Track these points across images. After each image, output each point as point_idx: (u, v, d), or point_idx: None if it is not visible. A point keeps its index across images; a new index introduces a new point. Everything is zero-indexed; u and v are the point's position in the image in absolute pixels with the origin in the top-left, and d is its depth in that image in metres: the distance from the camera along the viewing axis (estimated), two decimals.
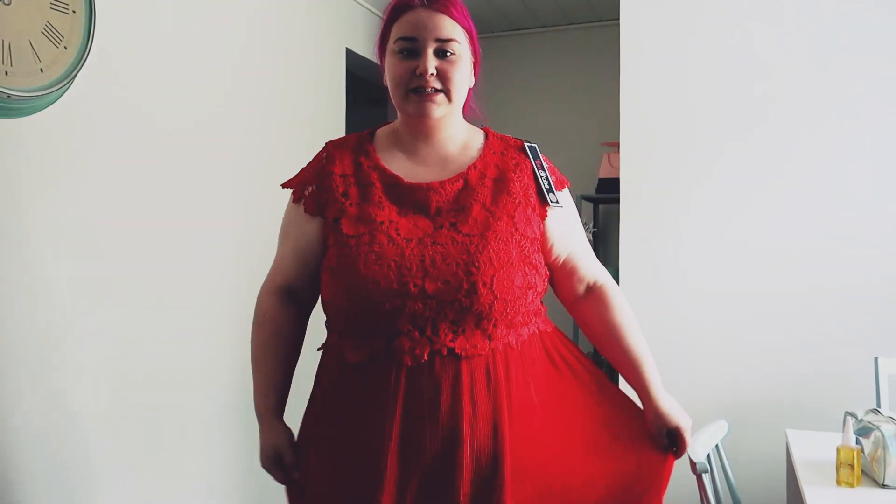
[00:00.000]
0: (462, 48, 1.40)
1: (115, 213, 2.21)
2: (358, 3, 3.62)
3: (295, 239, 1.46)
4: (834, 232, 2.77)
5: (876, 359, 2.48)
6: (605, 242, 4.09)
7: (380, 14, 3.82)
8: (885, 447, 1.80)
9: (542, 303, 1.47)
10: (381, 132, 1.50)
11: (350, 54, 3.58)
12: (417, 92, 1.38)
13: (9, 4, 1.78)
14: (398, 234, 1.34)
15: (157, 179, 2.36)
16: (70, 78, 1.93)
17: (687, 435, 1.46)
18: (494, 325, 1.34)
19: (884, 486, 1.81)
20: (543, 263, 1.44)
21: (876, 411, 1.99)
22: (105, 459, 2.19)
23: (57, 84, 1.89)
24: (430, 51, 1.37)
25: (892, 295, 2.70)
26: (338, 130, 3.44)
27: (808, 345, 2.78)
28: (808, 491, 1.78)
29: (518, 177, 1.43)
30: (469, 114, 1.51)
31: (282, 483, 1.46)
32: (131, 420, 2.27)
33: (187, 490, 2.50)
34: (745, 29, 2.88)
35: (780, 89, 2.84)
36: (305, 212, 1.44)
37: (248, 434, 2.83)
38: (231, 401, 2.66)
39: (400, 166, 1.43)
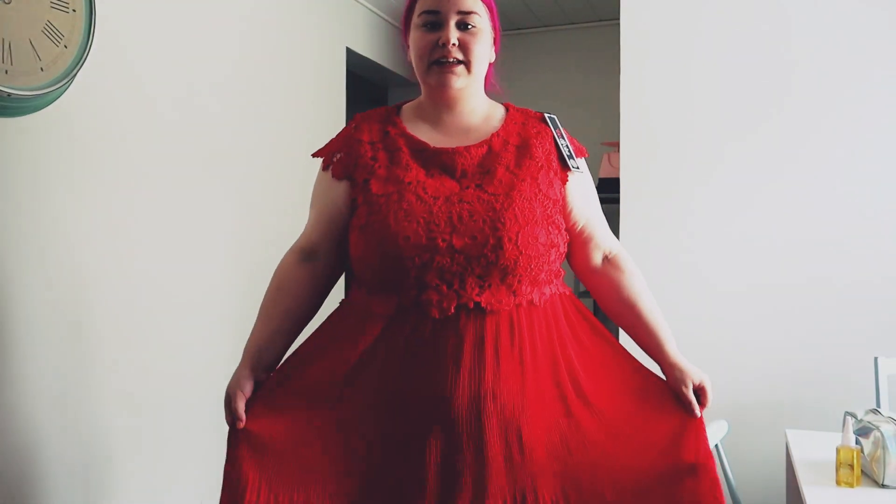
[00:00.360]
0: (483, 22, 1.46)
1: (115, 211, 2.21)
2: (358, 2, 3.62)
3: (322, 203, 1.52)
4: (833, 232, 2.77)
5: (876, 359, 2.47)
6: None
7: (380, 13, 3.82)
8: (884, 447, 1.80)
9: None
10: (407, 106, 1.57)
11: (350, 53, 3.58)
12: (439, 63, 1.44)
13: (9, 3, 1.78)
14: (426, 193, 1.40)
15: (157, 178, 2.36)
16: (70, 77, 1.92)
17: (710, 388, 1.48)
18: (519, 281, 1.39)
19: (883, 486, 1.81)
20: (565, 226, 1.49)
21: (876, 411, 1.99)
22: (113, 457, 2.19)
23: (57, 83, 1.89)
24: (452, 23, 1.43)
25: (891, 295, 2.70)
26: (337, 129, 3.44)
27: (807, 345, 2.78)
28: (807, 491, 1.78)
29: (540, 143, 1.49)
30: (490, 89, 1.57)
31: (228, 423, 1.44)
32: (138, 416, 2.27)
33: (188, 488, 2.50)
34: (746, 28, 2.88)
35: (781, 88, 2.84)
36: (333, 177, 1.49)
37: None
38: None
39: (425, 135, 1.49)
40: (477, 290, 1.36)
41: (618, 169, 3.39)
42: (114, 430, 2.21)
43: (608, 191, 3.81)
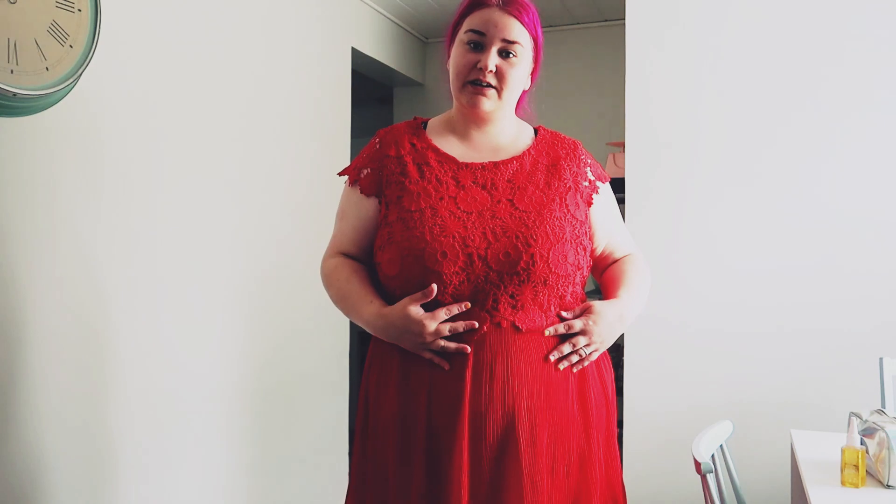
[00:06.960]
0: (524, 52, 1.49)
1: (119, 211, 2.22)
2: (364, 2, 3.62)
3: (355, 217, 1.54)
4: (839, 231, 2.76)
5: (881, 359, 2.46)
6: None
7: (386, 13, 3.83)
8: (889, 448, 1.79)
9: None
10: (435, 120, 1.59)
11: (356, 53, 3.59)
12: (473, 84, 1.48)
13: (14, 3, 1.78)
14: (458, 208, 1.43)
15: (162, 177, 2.37)
16: (75, 77, 1.93)
17: (580, 328, 1.45)
18: (548, 300, 1.42)
19: (888, 486, 1.80)
20: (589, 247, 1.53)
21: (881, 412, 1.98)
22: (123, 458, 2.20)
23: (62, 83, 1.89)
24: (494, 49, 1.46)
25: None
26: (343, 130, 3.45)
27: (812, 345, 2.77)
28: (812, 491, 1.77)
29: (569, 165, 1.53)
30: (520, 115, 1.60)
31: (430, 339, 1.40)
32: (151, 418, 2.28)
33: (189, 487, 2.51)
34: (751, 28, 2.87)
35: (786, 88, 2.83)
36: (362, 192, 1.52)
37: (246, 431, 2.83)
38: (232, 398, 2.67)
39: (454, 149, 1.52)
40: (510, 311, 1.39)
41: (623, 169, 3.39)
42: (125, 430, 2.22)
43: (613, 191, 3.80)
